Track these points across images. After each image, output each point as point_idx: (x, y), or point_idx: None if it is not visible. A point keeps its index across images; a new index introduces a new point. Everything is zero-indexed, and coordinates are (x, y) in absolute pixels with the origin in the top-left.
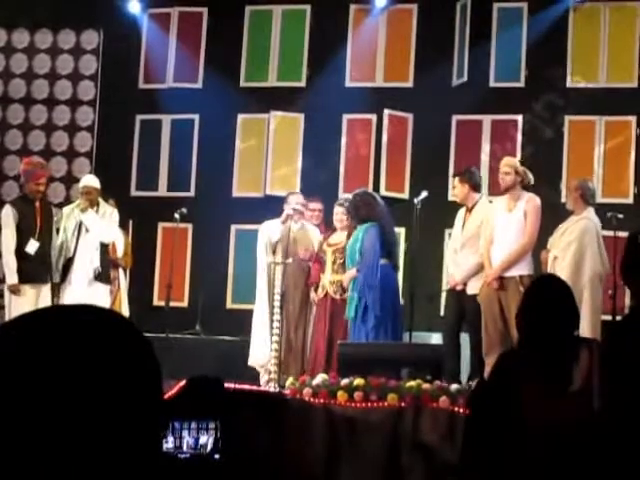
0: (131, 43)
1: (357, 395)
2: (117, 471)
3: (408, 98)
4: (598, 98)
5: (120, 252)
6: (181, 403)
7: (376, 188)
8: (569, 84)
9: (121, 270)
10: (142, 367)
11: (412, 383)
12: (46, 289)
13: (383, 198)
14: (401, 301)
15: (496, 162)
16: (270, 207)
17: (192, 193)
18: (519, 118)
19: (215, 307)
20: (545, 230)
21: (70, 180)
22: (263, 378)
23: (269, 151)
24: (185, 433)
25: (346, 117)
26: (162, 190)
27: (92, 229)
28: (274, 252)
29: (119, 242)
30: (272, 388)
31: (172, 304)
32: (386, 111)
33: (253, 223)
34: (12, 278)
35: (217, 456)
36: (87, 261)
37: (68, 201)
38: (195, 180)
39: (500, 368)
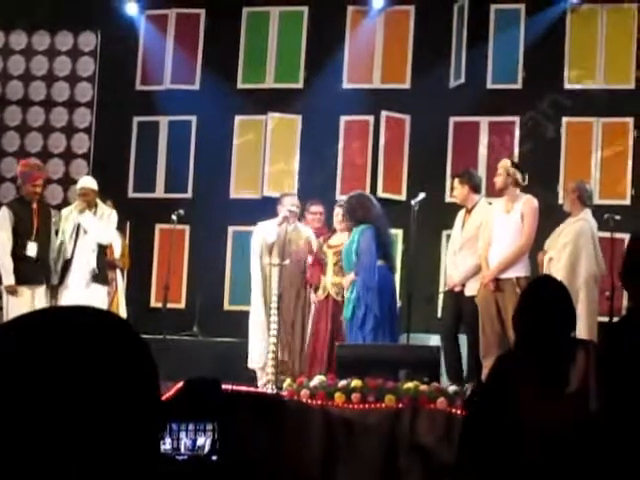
0: (128, 45)
1: (354, 396)
2: (115, 472)
3: (405, 100)
4: (596, 99)
5: (117, 253)
6: (179, 405)
7: (373, 190)
8: (566, 85)
9: (118, 271)
10: (139, 368)
11: (410, 384)
12: (43, 290)
13: (380, 200)
14: (398, 303)
15: (493, 163)
16: (267, 208)
17: (189, 194)
18: (516, 119)
19: (212, 308)
20: (542, 232)
21: (68, 182)
22: (261, 380)
23: (266, 153)
24: (183, 434)
25: (343, 119)
26: (159, 192)
27: (89, 230)
28: (270, 254)
29: (116, 243)
30: (269, 389)
31: (169, 305)
32: (383, 113)
33: (250, 224)
34: (9, 279)
35: (215, 457)
36: (85, 263)
37: (66, 203)
38: (192, 181)
39: (497, 370)
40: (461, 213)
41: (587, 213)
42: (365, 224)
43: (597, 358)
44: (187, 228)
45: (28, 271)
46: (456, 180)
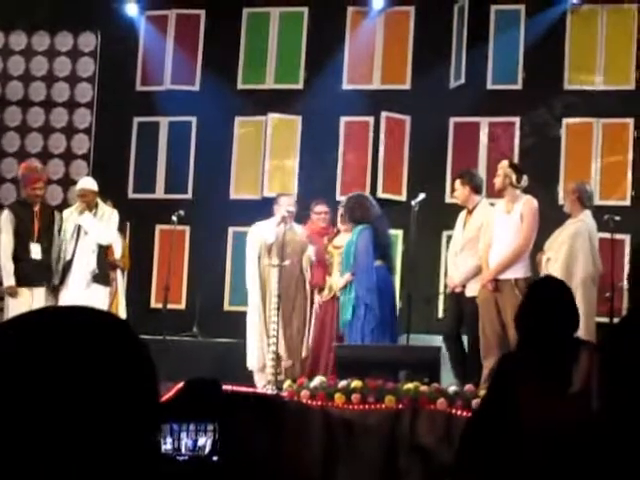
0: (128, 45)
1: (354, 397)
2: (113, 473)
3: (405, 100)
4: (596, 100)
5: (118, 254)
6: (179, 405)
7: (373, 190)
8: (567, 86)
9: (119, 272)
10: (137, 369)
11: (410, 385)
12: (43, 291)
13: (380, 200)
14: (398, 303)
15: (493, 164)
16: (267, 209)
17: (189, 195)
18: (516, 120)
19: (212, 309)
20: (543, 232)
21: (67, 182)
22: (260, 382)
23: (266, 153)
24: (183, 435)
25: (343, 119)
26: (159, 192)
27: (89, 231)
28: (269, 254)
29: (117, 244)
30: (270, 390)
31: (169, 306)
32: (383, 113)
33: (250, 225)
34: (9, 281)
35: (215, 458)
36: (85, 264)
37: (65, 203)
38: (192, 182)
39: (499, 371)
40: (462, 214)
41: (586, 214)
42: (363, 224)
43: (598, 358)
44: (187, 229)
45: (28, 272)
46: (457, 181)
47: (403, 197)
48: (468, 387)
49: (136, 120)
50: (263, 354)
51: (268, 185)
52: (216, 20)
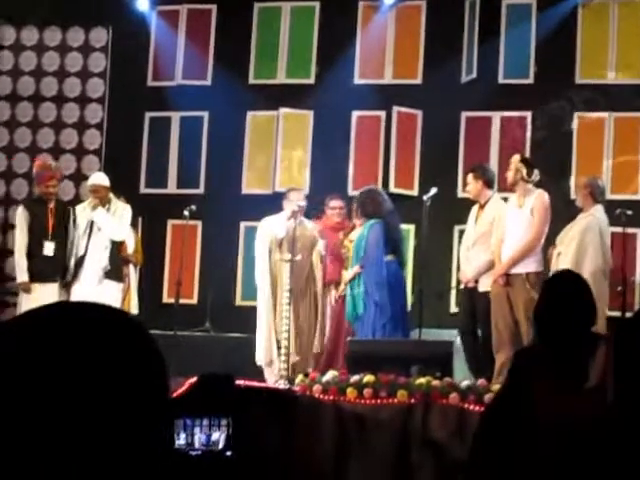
0: (140, 40)
1: (367, 392)
2: (123, 469)
3: (417, 95)
4: (607, 94)
5: (131, 249)
6: (192, 400)
7: (385, 185)
8: (578, 80)
9: (132, 267)
10: (146, 364)
11: (422, 380)
12: (57, 287)
13: (392, 195)
14: (409, 298)
15: (505, 158)
16: (279, 204)
17: (201, 190)
18: (528, 114)
19: (224, 304)
20: (554, 227)
21: (79, 178)
22: (269, 377)
23: (278, 148)
24: (197, 430)
25: (355, 114)
26: (171, 187)
27: (103, 227)
28: (280, 249)
29: (130, 239)
30: (282, 385)
31: (181, 301)
32: (395, 108)
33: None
34: (23, 277)
35: (229, 453)
36: (97, 259)
37: (77, 198)
38: (204, 177)
39: (514, 366)
40: (474, 208)
41: (598, 209)
42: (375, 219)
43: (611, 353)
44: (199, 224)
45: (42, 269)
46: (470, 175)
47: (415, 192)
48: (480, 382)
49: (148, 115)
50: (270, 349)
51: (280, 180)
52: (227, 15)
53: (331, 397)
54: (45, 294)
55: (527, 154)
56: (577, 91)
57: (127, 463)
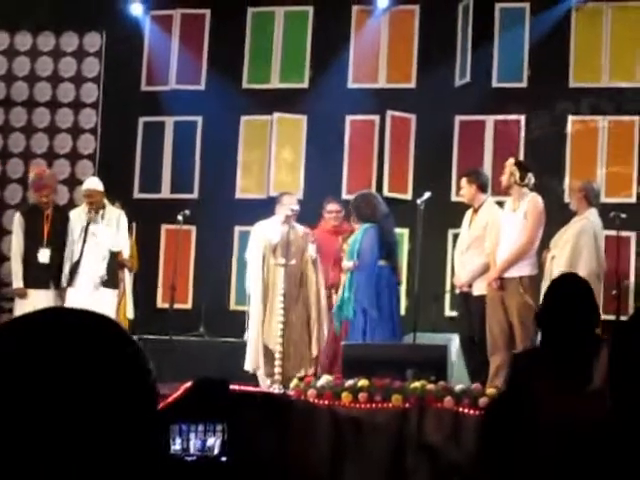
0: (133, 45)
1: (361, 396)
2: (113, 474)
3: (411, 99)
4: (601, 98)
5: (126, 254)
6: (187, 405)
7: (379, 189)
8: (572, 84)
9: (127, 272)
10: (132, 372)
11: (416, 384)
12: (52, 293)
13: (386, 199)
14: (404, 302)
15: (499, 162)
16: (273, 208)
17: (195, 195)
18: (522, 118)
19: (218, 309)
20: (549, 230)
21: (73, 182)
22: (263, 382)
23: (272, 152)
24: (192, 435)
25: (349, 118)
26: (165, 192)
27: (102, 240)
28: (274, 254)
29: (125, 244)
30: (277, 390)
31: (176, 306)
32: (389, 112)
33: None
34: (18, 283)
35: (224, 458)
36: (93, 266)
37: (71, 203)
38: (198, 182)
39: (516, 367)
40: (468, 213)
41: (592, 213)
42: (370, 223)
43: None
44: (193, 228)
45: (37, 275)
46: (464, 179)
47: (409, 196)
48: (475, 386)
49: (141, 120)
50: (257, 356)
51: (274, 184)
52: (221, 19)
53: (326, 401)
54: (40, 300)
55: (521, 158)
56: (571, 95)
57: (114, 468)
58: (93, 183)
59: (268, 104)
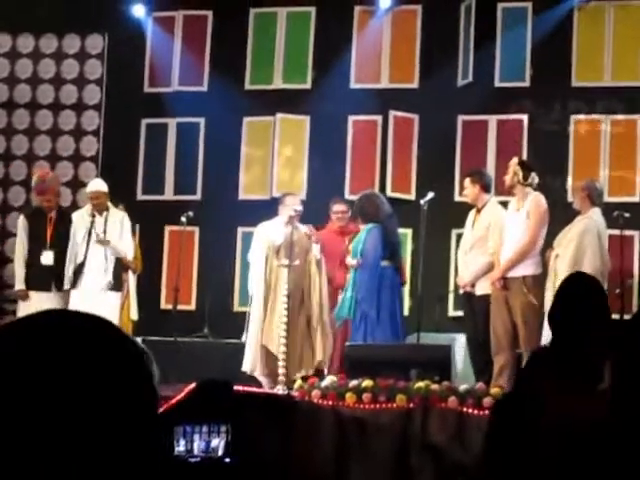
0: (136, 47)
1: (366, 396)
2: (111, 476)
3: (413, 99)
4: (604, 97)
5: (130, 256)
6: (191, 407)
7: (382, 189)
8: (574, 83)
9: (130, 273)
10: (131, 374)
11: (420, 384)
12: (55, 296)
13: (389, 199)
14: (407, 302)
15: (501, 162)
16: (276, 209)
17: (198, 196)
18: (524, 118)
19: (222, 310)
20: (552, 229)
21: (76, 184)
22: (264, 382)
23: (275, 153)
24: (196, 437)
25: (352, 119)
26: (168, 194)
27: (115, 251)
28: (277, 255)
29: (129, 246)
30: (281, 390)
31: (179, 307)
32: (391, 112)
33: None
34: (19, 284)
35: (228, 459)
36: (99, 268)
37: (75, 205)
38: (201, 183)
39: (526, 367)
40: (471, 213)
41: (595, 212)
42: (374, 223)
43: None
44: (196, 230)
45: (38, 277)
46: (467, 179)
47: (412, 196)
48: (479, 385)
49: (144, 122)
50: (256, 357)
51: (277, 185)
52: (223, 21)
53: (330, 402)
54: (43, 302)
55: (524, 157)
56: (573, 94)
57: (114, 469)
58: (98, 185)
59: (271, 105)
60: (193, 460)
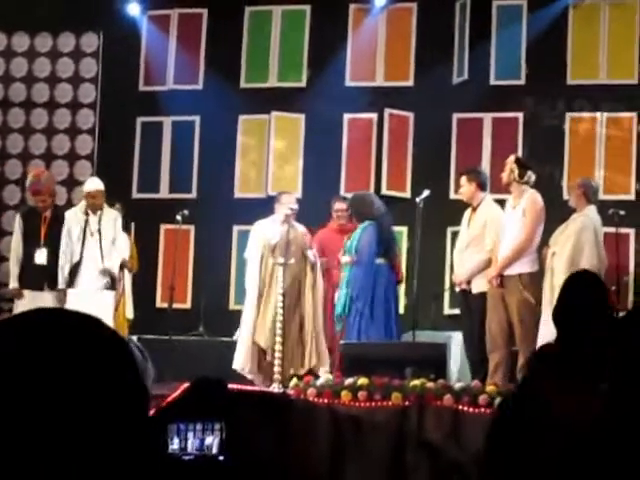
0: (131, 45)
1: (361, 394)
2: (102, 473)
3: (409, 97)
4: (598, 95)
5: (126, 255)
6: (185, 405)
7: (378, 187)
8: (570, 81)
9: (126, 272)
10: (120, 375)
11: (416, 382)
12: (51, 295)
13: (385, 197)
14: (403, 300)
15: (497, 160)
16: (272, 208)
17: (194, 195)
18: (520, 115)
19: (218, 308)
20: (548, 227)
21: (72, 183)
22: (256, 381)
23: (270, 152)
24: (190, 435)
25: (347, 117)
26: (164, 192)
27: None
28: (273, 253)
29: (125, 245)
30: (276, 389)
31: (175, 306)
32: (387, 110)
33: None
34: (13, 283)
35: (222, 457)
36: (96, 267)
37: (70, 204)
38: (197, 182)
39: (530, 366)
40: (467, 211)
41: (591, 209)
42: (369, 221)
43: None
44: (192, 228)
45: (31, 276)
46: (463, 177)
47: (407, 194)
48: (474, 383)
49: (139, 120)
50: (248, 356)
51: (272, 183)
52: (218, 19)
53: (325, 400)
54: (39, 301)
55: (519, 154)
56: (568, 92)
57: (102, 467)
58: (97, 183)
59: (266, 103)
60: (187, 458)
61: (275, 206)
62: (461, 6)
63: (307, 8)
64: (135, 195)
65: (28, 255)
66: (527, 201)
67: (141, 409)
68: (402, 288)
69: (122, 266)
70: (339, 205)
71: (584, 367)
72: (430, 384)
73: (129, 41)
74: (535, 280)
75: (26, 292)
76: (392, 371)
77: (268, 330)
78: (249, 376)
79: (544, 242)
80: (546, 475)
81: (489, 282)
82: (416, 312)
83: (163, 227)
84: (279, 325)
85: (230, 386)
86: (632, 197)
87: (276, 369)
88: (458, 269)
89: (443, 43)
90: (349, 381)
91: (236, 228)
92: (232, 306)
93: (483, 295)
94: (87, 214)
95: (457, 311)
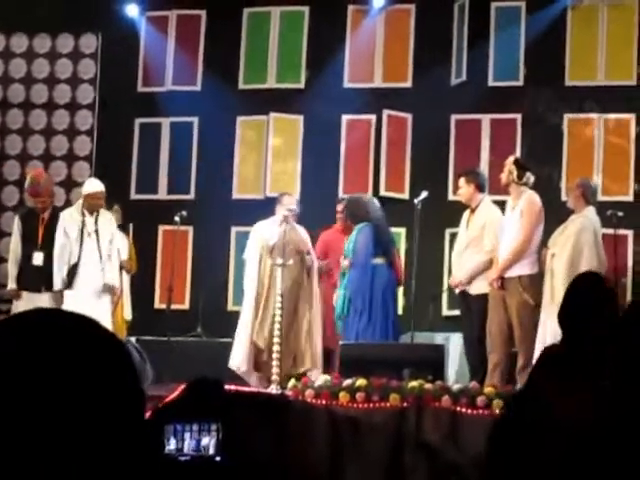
0: (129, 46)
1: (359, 396)
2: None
3: (407, 98)
4: (597, 96)
5: (124, 256)
6: (182, 405)
7: (376, 189)
8: (568, 82)
9: (124, 273)
10: (115, 376)
11: (414, 383)
12: (49, 296)
13: (383, 199)
14: (401, 301)
15: (495, 161)
16: (270, 209)
17: (192, 196)
18: (518, 117)
19: (216, 309)
20: (546, 228)
21: (70, 184)
22: (252, 381)
23: (268, 153)
24: (187, 435)
25: (345, 118)
26: (162, 193)
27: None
28: (271, 254)
29: (123, 246)
30: (274, 389)
31: (173, 307)
32: (385, 111)
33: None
34: (11, 284)
35: (219, 458)
36: (94, 268)
37: (68, 205)
38: (195, 183)
39: (535, 367)
40: (466, 213)
41: (590, 211)
42: (365, 222)
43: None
44: (190, 229)
45: (29, 278)
46: (462, 179)
47: (406, 195)
48: (473, 384)
49: (138, 121)
50: (245, 357)
51: (270, 185)
52: (217, 20)
53: (323, 401)
54: (37, 302)
55: (517, 156)
56: (567, 93)
57: (97, 468)
58: (99, 185)
59: (264, 104)
60: (183, 459)
61: (276, 207)
62: (459, 7)
63: (305, 9)
64: (133, 196)
65: (26, 256)
66: (525, 202)
67: (137, 411)
68: (400, 289)
69: (120, 267)
70: (340, 207)
71: (585, 366)
72: (428, 385)
73: (128, 42)
74: (535, 282)
75: (24, 293)
76: (390, 372)
77: (267, 331)
78: (244, 376)
79: (543, 243)
80: (547, 476)
81: (490, 284)
82: (414, 313)
83: (161, 228)
84: (277, 326)
85: (227, 387)
86: (630, 198)
87: (274, 370)
88: (456, 271)
89: (441, 44)
90: (347, 382)
91: (234, 229)
92: (230, 307)
93: (483, 297)
94: (83, 215)
95: (455, 312)
